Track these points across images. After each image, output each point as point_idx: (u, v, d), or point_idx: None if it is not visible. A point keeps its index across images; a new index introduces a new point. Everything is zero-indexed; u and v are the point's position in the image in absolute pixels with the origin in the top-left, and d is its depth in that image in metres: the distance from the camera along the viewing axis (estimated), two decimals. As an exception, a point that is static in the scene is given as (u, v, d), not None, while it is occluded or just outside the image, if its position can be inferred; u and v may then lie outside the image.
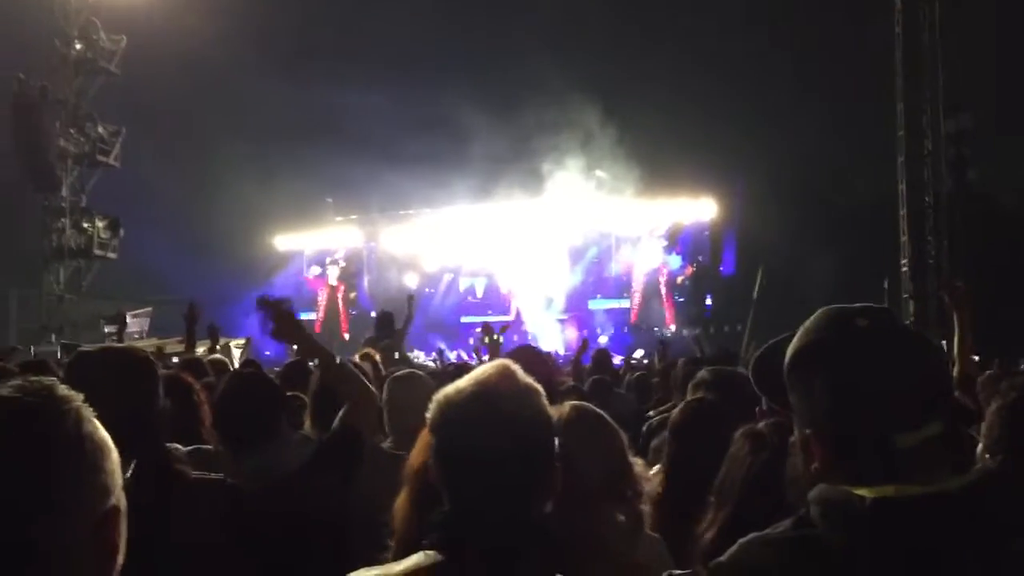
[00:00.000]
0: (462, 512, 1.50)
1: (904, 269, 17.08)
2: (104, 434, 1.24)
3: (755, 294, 16.18)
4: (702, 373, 3.26)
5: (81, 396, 1.23)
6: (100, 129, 20.69)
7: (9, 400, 1.15)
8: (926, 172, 17.08)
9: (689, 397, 3.10)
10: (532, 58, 21.24)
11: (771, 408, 1.74)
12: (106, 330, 21.70)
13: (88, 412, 1.22)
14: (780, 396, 1.42)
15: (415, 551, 1.56)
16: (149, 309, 21.39)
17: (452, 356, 18.99)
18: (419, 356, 15.85)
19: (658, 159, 21.88)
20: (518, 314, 23.12)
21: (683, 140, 22.03)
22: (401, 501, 1.98)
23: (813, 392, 1.34)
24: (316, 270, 25.54)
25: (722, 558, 1.39)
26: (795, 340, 1.40)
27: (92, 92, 20.97)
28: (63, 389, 1.21)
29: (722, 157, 21.88)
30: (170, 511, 1.90)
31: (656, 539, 2.26)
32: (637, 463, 2.29)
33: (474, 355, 13.09)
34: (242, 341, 18.84)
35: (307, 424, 3.27)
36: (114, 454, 1.24)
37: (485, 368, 1.57)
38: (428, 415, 1.56)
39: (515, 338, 20.52)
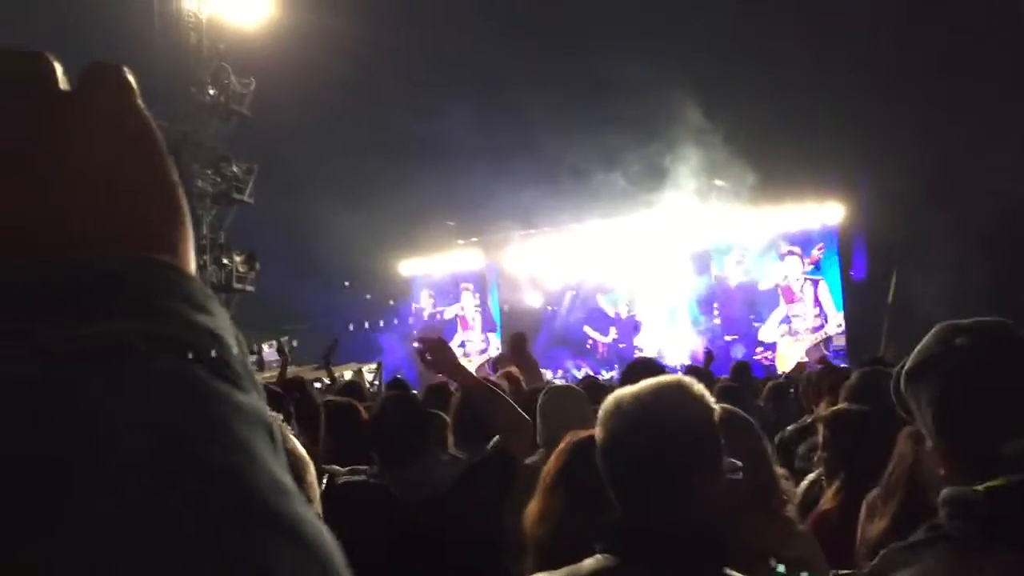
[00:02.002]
0: (633, 514, 1.55)
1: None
2: (303, 450, 1.37)
3: (890, 298, 15.58)
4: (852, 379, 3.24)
5: (280, 416, 1.37)
6: (234, 168, 21.76)
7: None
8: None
9: (840, 404, 3.10)
10: (638, 67, 21.13)
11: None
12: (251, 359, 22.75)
13: (288, 430, 1.36)
14: (908, 409, 1.50)
15: (558, 556, 1.62)
16: (286, 338, 22.28)
17: (579, 373, 19.02)
18: (547, 374, 15.97)
19: (778, 163, 21.37)
20: (637, 326, 22.95)
21: (804, 142, 21.46)
22: (533, 508, 2.02)
23: (922, 406, 1.43)
24: (453, 309, 25.95)
25: (866, 569, 1.43)
26: (911, 357, 1.47)
27: (226, 134, 22.11)
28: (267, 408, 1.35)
29: (847, 158, 21.19)
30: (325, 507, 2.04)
31: (809, 536, 2.27)
32: (781, 472, 2.31)
33: (601, 372, 13.14)
34: (373, 366, 19.44)
35: (450, 442, 3.38)
36: (312, 468, 1.37)
37: (663, 378, 1.63)
38: (599, 416, 1.62)
39: (638, 352, 20.38)
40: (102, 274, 0.39)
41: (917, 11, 21.38)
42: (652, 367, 3.46)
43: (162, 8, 20.83)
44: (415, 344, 2.85)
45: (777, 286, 21.33)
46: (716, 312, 21.99)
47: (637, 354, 20.71)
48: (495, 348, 23.72)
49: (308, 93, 23.82)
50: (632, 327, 23.11)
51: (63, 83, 0.48)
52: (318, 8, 23.32)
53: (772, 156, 21.17)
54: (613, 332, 23.39)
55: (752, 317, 21.55)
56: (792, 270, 21.20)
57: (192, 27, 21.30)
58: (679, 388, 1.59)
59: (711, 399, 1.60)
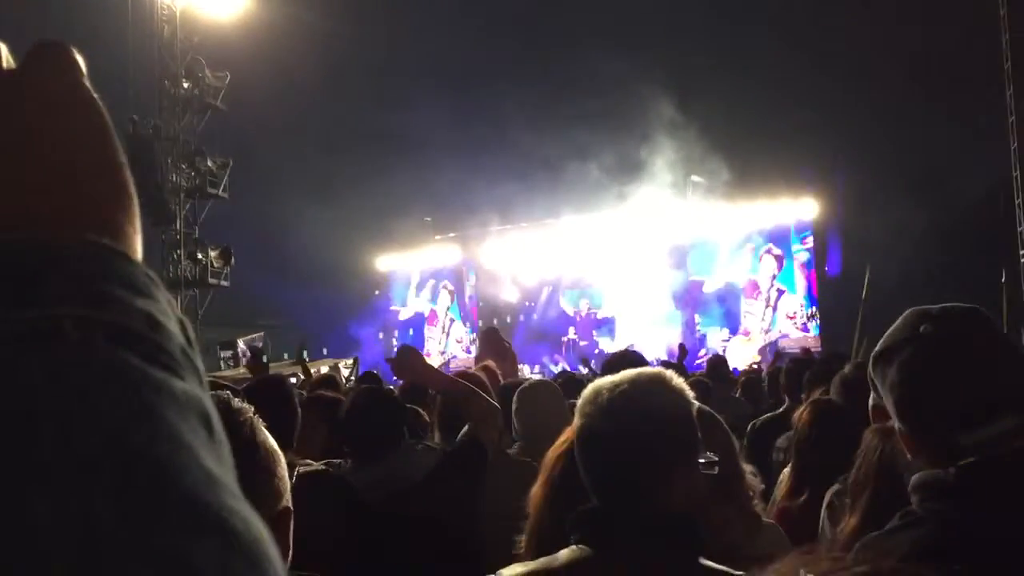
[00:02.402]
0: (608, 505, 1.55)
1: (1023, 260, 16.36)
2: (274, 443, 1.35)
3: (864, 294, 15.72)
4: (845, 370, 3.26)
5: (252, 408, 1.35)
6: (209, 163, 21.59)
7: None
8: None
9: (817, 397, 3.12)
10: (614, 64, 21.20)
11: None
12: (221, 355, 22.62)
13: (260, 423, 1.34)
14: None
15: (550, 542, 1.62)
16: (261, 334, 22.16)
17: (556, 369, 19.05)
18: (524, 369, 15.95)
19: (753, 159, 21.53)
20: (599, 324, 23.09)
21: (778, 138, 21.63)
22: (536, 490, 2.03)
23: (884, 390, 1.43)
24: (425, 298, 25.92)
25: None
26: (881, 339, 1.46)
27: (200, 127, 21.93)
28: (237, 401, 1.34)
29: (820, 154, 21.36)
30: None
31: (775, 527, 2.29)
32: (747, 468, 2.33)
33: (579, 366, 13.18)
34: (350, 361, 19.35)
35: (436, 437, 3.38)
36: (283, 461, 1.36)
37: (643, 369, 1.63)
38: (577, 406, 1.61)
39: (613, 346, 20.46)
40: (37, 254, 0.38)
41: (892, 10, 21.59)
42: (633, 359, 3.46)
43: (135, 0, 20.61)
44: (388, 360, 2.89)
45: (749, 283, 21.48)
46: (690, 307, 22.11)
47: (604, 350, 20.85)
48: (471, 343, 23.73)
49: (283, 87, 23.73)
50: (593, 325, 23.25)
51: (7, 62, 0.47)
52: (293, 2, 23.18)
53: (747, 152, 21.35)
54: (571, 331, 23.51)
55: (723, 313, 21.71)
56: (767, 271, 21.36)
57: (166, 20, 21.10)
58: (659, 380, 1.59)
59: (690, 392, 1.60)
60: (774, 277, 21.25)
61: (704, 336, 21.52)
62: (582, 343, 22.89)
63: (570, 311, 23.67)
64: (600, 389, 1.59)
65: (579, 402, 1.61)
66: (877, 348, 1.49)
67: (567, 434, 1.96)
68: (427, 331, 25.71)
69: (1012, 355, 1.41)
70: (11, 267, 0.37)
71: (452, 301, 25.78)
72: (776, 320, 20.96)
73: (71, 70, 0.48)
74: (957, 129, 19.34)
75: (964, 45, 19.34)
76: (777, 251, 21.29)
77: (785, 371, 5.19)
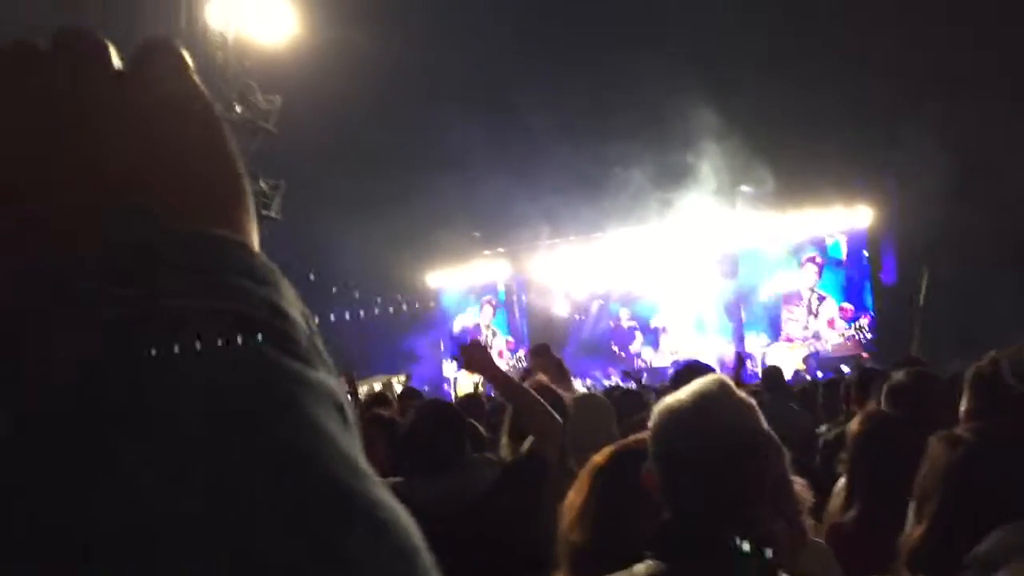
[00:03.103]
0: (684, 521, 1.57)
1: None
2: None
3: (920, 301, 15.44)
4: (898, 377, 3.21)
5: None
6: (262, 184, 21.99)
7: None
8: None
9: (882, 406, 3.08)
10: (657, 71, 21.12)
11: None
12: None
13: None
14: None
15: (585, 555, 1.64)
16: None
17: (607, 382, 18.98)
18: (575, 383, 15.91)
19: (804, 167, 21.26)
20: (657, 334, 22.95)
21: (828, 145, 21.33)
22: (574, 497, 2.03)
23: None
24: (473, 315, 26.02)
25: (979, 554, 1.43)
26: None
27: (252, 150, 22.33)
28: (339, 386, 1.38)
29: (872, 160, 21.04)
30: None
31: (823, 548, 2.26)
32: (797, 481, 2.31)
33: (631, 381, 13.11)
34: (403, 377, 19.52)
35: (504, 442, 3.40)
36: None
37: (704, 381, 1.65)
38: (650, 424, 1.64)
39: (670, 358, 20.32)
40: (173, 246, 0.39)
41: (942, 11, 21.22)
42: (702, 370, 3.46)
43: (188, 28, 21.12)
44: (453, 352, 2.95)
45: (792, 291, 21.31)
46: (738, 317, 21.91)
47: (659, 362, 20.72)
48: (518, 360, 23.75)
49: (333, 109, 24.04)
50: (655, 336, 23.10)
51: (117, 61, 0.48)
52: (340, 25, 23.55)
53: (798, 160, 21.07)
54: (639, 341, 23.36)
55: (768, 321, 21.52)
56: (807, 278, 21.19)
57: (218, 46, 21.57)
58: (726, 392, 1.61)
59: (753, 402, 1.62)
60: (815, 284, 21.06)
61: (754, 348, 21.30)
62: (640, 358, 22.77)
63: (625, 324, 23.57)
64: (670, 405, 1.61)
65: (652, 419, 1.63)
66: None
67: (609, 449, 1.98)
68: (495, 339, 25.78)
69: None
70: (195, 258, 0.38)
71: (494, 315, 25.84)
72: (819, 327, 20.75)
73: (186, 69, 0.50)
74: (1013, 128, 18.88)
75: (1018, 41, 18.93)
76: (819, 259, 21.10)
77: (856, 382, 5.12)
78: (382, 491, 0.33)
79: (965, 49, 20.46)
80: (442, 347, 25.93)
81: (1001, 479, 1.70)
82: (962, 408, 1.61)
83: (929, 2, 21.61)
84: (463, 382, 22.06)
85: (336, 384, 0.38)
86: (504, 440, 3.41)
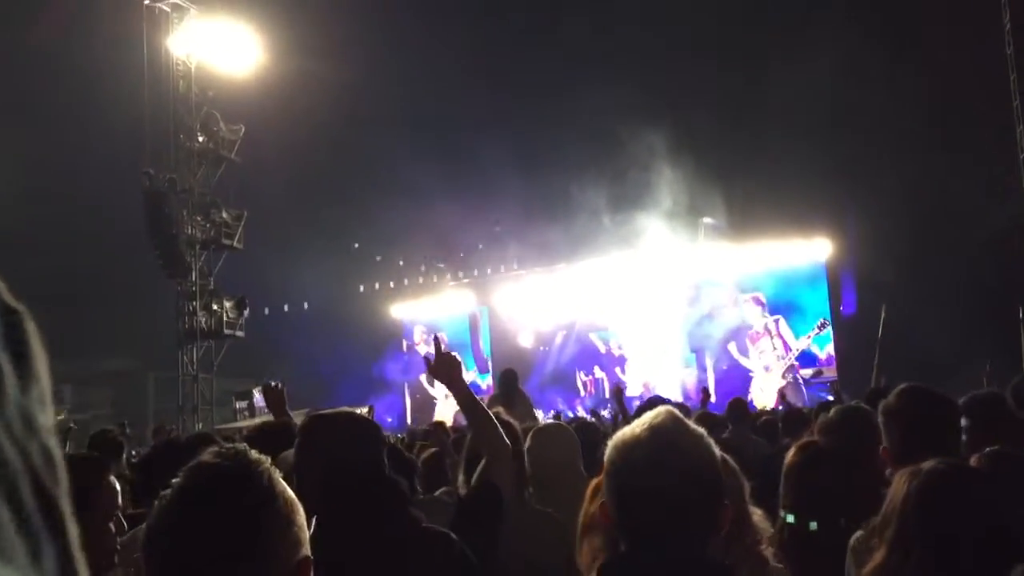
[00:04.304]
0: (640, 553, 1.55)
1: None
2: (292, 493, 1.36)
3: (880, 333, 15.64)
4: (831, 414, 3.27)
5: (269, 459, 1.36)
6: (224, 214, 21.81)
7: (211, 465, 1.30)
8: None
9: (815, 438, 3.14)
10: (619, 105, 21.41)
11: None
12: (237, 406, 22.62)
13: (277, 473, 1.35)
14: None
15: None
16: (278, 382, 22.14)
17: (571, 414, 18.95)
18: (539, 415, 15.88)
19: (764, 201, 21.57)
20: (623, 363, 23.04)
21: (789, 179, 21.69)
22: (585, 551, 2.02)
23: None
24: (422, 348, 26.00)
25: None
26: None
27: (214, 180, 22.19)
28: (254, 454, 1.34)
29: (832, 195, 21.40)
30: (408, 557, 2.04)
31: (781, 571, 2.27)
32: (755, 512, 2.32)
33: (601, 412, 13.15)
34: (364, 410, 19.30)
35: (460, 480, 3.36)
36: (301, 510, 1.36)
37: (656, 413, 1.64)
38: (605, 458, 1.62)
39: (634, 397, 20.36)
40: None
41: (899, 51, 21.77)
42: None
43: (151, 56, 21.02)
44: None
45: (747, 337, 21.70)
46: (710, 349, 22.06)
47: (625, 391, 20.76)
48: (485, 389, 23.68)
49: (296, 139, 24.03)
50: (623, 367, 23.13)
51: None
52: (304, 55, 23.60)
53: (758, 194, 21.38)
54: (601, 371, 23.40)
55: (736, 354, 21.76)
56: (751, 315, 21.65)
57: (181, 75, 21.48)
58: (679, 425, 1.60)
59: (704, 433, 1.62)
60: (762, 313, 21.48)
61: (719, 379, 21.43)
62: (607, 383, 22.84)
63: (602, 349, 23.59)
64: (625, 438, 1.60)
65: (607, 453, 1.62)
66: None
67: (595, 485, 1.96)
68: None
69: None
70: None
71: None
72: (788, 344, 21.07)
73: None
74: (971, 169, 19.34)
75: (975, 84, 19.43)
76: (760, 295, 21.55)
77: (815, 412, 5.18)
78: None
79: (927, 95, 20.97)
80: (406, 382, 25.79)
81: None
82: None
83: (895, 47, 22.16)
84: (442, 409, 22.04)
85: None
86: (460, 479, 3.36)
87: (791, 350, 21.00)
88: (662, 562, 1.52)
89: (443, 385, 2.89)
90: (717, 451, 1.62)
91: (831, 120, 22.65)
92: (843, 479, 2.63)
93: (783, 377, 20.58)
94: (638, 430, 1.60)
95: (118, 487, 2.31)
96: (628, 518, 1.57)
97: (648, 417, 1.63)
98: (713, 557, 1.54)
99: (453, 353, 2.94)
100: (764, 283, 21.65)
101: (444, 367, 2.89)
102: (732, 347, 21.67)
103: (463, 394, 2.85)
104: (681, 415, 1.63)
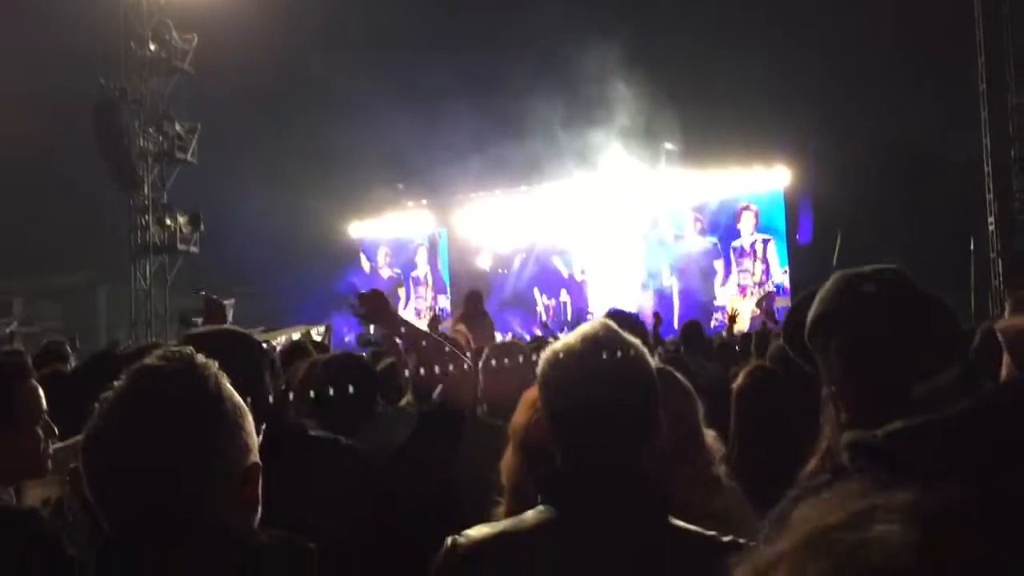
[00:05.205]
0: (574, 465, 1.54)
1: (991, 227, 16.54)
2: (239, 399, 1.31)
3: (834, 261, 15.86)
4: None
5: (216, 364, 1.31)
6: (177, 127, 21.23)
7: (157, 368, 1.24)
8: (1011, 126, 16.45)
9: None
10: (585, 27, 21.05)
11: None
12: (194, 321, 22.39)
13: (225, 378, 1.30)
14: (808, 357, 1.52)
15: (528, 506, 1.61)
16: (232, 300, 21.94)
17: (527, 336, 19.07)
18: (496, 337, 15.93)
19: (726, 127, 21.54)
20: (582, 289, 23.07)
21: (750, 105, 21.64)
22: (508, 460, 2.02)
23: (830, 354, 1.46)
24: (399, 263, 25.88)
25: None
26: (813, 307, 1.50)
27: (167, 91, 21.53)
28: (201, 358, 1.29)
29: (791, 121, 21.42)
30: (311, 468, 2.00)
31: (734, 488, 2.30)
32: (708, 432, 2.33)
33: (557, 334, 13.24)
34: (322, 328, 19.28)
35: (408, 398, 3.35)
36: (250, 416, 1.32)
37: (591, 324, 1.61)
38: (538, 370, 1.60)
39: (589, 316, 20.51)
40: None
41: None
42: (627, 319, 3.43)
43: (100, -40, 20.10)
44: (350, 302, 2.80)
45: (731, 246, 21.53)
46: (670, 275, 22.16)
47: (588, 316, 20.85)
48: (444, 310, 23.70)
49: (252, 50, 23.27)
50: (583, 290, 23.23)
51: None
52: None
53: (719, 120, 21.34)
54: (564, 294, 23.48)
55: (703, 281, 21.77)
56: (746, 226, 21.43)
57: (131, -20, 20.61)
58: (613, 335, 1.58)
59: (642, 346, 1.59)
60: (755, 227, 21.31)
61: (683, 306, 21.54)
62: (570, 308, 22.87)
63: (564, 273, 23.56)
64: (558, 350, 1.58)
65: (540, 366, 1.60)
66: (813, 315, 1.52)
67: (530, 397, 1.95)
68: (417, 292, 25.63)
69: (944, 311, 1.47)
70: None
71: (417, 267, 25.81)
72: (771, 271, 21.02)
73: None
74: (932, 100, 19.45)
75: (939, 12, 19.38)
76: (754, 207, 21.35)
77: (756, 336, 5.23)
78: None
79: (893, 22, 20.88)
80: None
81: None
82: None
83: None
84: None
85: None
86: (407, 398, 3.34)
87: (769, 278, 20.89)
88: (596, 473, 1.51)
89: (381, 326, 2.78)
90: (653, 362, 1.60)
91: (794, 43, 22.54)
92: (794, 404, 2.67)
93: (757, 306, 20.30)
94: (571, 340, 1.58)
95: (40, 390, 2.21)
96: (561, 429, 1.56)
97: (583, 328, 1.61)
98: (648, 468, 1.54)
99: (377, 291, 2.84)
100: (720, 211, 21.60)
101: (376, 309, 2.77)
102: (718, 270, 21.49)
103: (407, 331, 2.79)
104: (616, 327, 1.60)
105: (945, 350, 1.41)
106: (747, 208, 21.45)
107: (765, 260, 21.18)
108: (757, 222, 21.38)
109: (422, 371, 2.66)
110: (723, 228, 21.76)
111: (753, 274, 21.23)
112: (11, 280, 29.90)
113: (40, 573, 1.83)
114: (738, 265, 21.44)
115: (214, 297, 4.02)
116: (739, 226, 21.50)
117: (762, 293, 20.49)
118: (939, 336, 1.43)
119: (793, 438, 2.51)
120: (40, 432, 2.17)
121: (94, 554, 1.21)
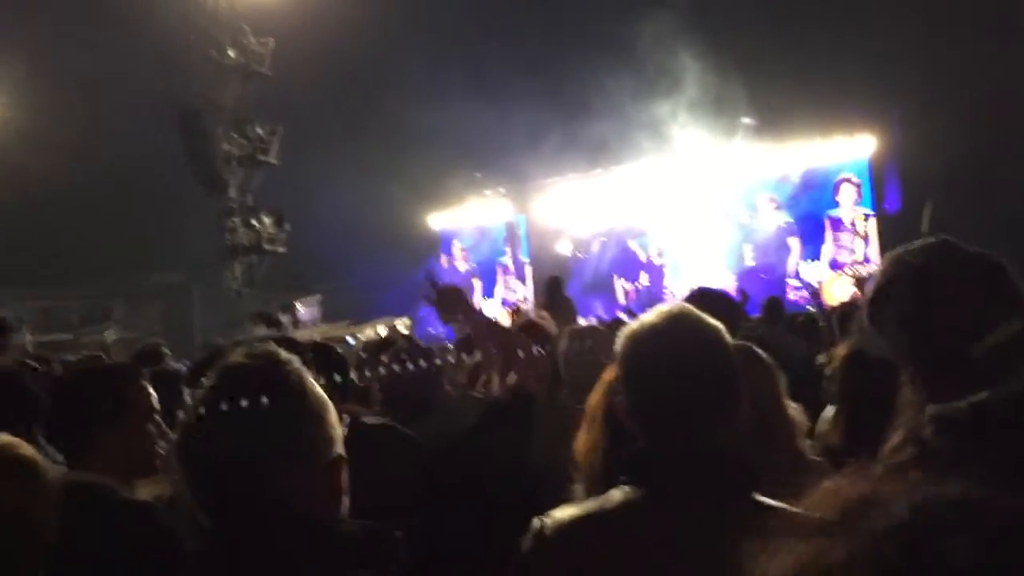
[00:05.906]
0: (657, 444, 1.55)
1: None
2: (321, 392, 1.37)
3: (925, 228, 15.33)
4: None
5: (298, 359, 1.37)
6: (258, 130, 21.80)
7: (240, 365, 1.31)
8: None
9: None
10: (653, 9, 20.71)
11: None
12: (282, 319, 22.97)
13: (307, 373, 1.36)
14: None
15: (604, 487, 1.63)
16: (318, 297, 22.47)
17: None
18: (580, 321, 15.89)
19: (806, 98, 20.94)
20: (661, 272, 22.75)
21: (832, 75, 21.01)
22: (583, 438, 2.04)
23: (891, 329, 1.50)
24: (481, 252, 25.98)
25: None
26: (870, 289, 1.54)
27: (248, 95, 22.10)
28: (284, 354, 1.35)
29: (878, 89, 20.70)
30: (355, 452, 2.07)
31: (822, 463, 2.28)
32: (791, 406, 2.31)
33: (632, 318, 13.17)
34: (407, 320, 19.58)
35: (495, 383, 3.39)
36: (332, 409, 1.38)
37: (669, 305, 1.62)
38: (617, 349, 1.61)
39: (671, 297, 20.28)
40: None
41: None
42: (713, 296, 3.39)
43: (177, -29, 20.72)
44: (426, 296, 2.85)
45: (827, 218, 20.70)
46: (749, 253, 21.68)
47: (668, 298, 20.57)
48: (525, 297, 23.75)
49: (327, 50, 23.67)
50: (662, 273, 22.94)
51: None
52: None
53: (798, 91, 20.77)
54: (644, 278, 23.23)
55: (783, 258, 21.17)
56: (846, 199, 20.50)
57: (208, -11, 21.19)
58: (691, 315, 1.58)
59: (721, 326, 1.60)
60: (856, 203, 20.39)
61: (766, 281, 21.03)
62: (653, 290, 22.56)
63: (642, 257, 23.29)
64: (639, 331, 1.59)
65: (619, 344, 1.61)
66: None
67: (607, 378, 1.96)
68: (504, 281, 25.64)
69: (995, 268, 1.49)
70: None
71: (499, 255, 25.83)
72: (869, 249, 20.07)
73: None
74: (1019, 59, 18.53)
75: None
76: (856, 179, 20.43)
77: (840, 312, 5.11)
78: None
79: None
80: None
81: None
82: None
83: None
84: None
85: None
86: (495, 379, 3.39)
87: (869, 260, 19.89)
88: (680, 452, 1.52)
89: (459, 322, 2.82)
90: (731, 342, 1.60)
91: (876, 12, 21.77)
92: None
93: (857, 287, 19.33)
94: (649, 320, 1.58)
95: (152, 391, 2.33)
96: (642, 406, 1.57)
97: (662, 308, 1.61)
98: (733, 449, 1.54)
99: (454, 285, 2.88)
100: (802, 185, 20.80)
101: (454, 304, 2.82)
102: (794, 245, 20.89)
103: (482, 325, 2.83)
104: (692, 308, 1.61)
105: (1000, 306, 1.42)
106: (848, 180, 20.52)
107: (866, 239, 20.27)
108: (859, 195, 20.38)
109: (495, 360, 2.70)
110: (805, 202, 21.10)
111: (853, 251, 20.29)
112: (111, 281, 30.97)
113: (157, 563, 1.94)
114: (835, 240, 20.56)
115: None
116: (838, 198, 20.56)
117: (858, 273, 19.62)
118: (992, 294, 1.45)
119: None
120: (152, 430, 2.28)
121: (196, 544, 1.29)
